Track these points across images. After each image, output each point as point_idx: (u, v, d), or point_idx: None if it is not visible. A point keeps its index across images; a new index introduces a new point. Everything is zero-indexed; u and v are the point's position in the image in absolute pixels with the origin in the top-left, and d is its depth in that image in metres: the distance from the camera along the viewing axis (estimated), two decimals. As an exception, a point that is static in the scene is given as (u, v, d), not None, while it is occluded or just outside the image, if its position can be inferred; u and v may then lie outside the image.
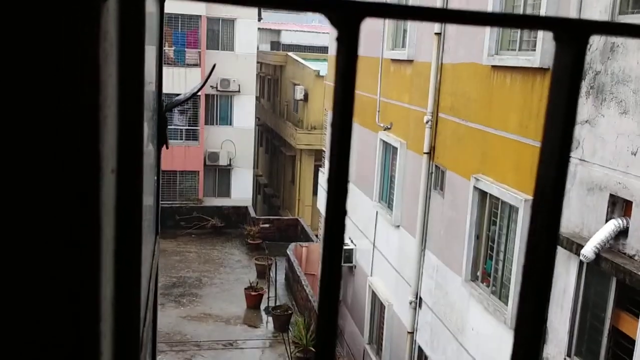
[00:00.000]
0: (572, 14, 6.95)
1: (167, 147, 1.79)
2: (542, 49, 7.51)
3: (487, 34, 8.81)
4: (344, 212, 0.44)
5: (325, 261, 0.45)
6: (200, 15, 25.76)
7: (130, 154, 0.71)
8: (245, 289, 18.11)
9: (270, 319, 17.07)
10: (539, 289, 0.48)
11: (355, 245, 15.02)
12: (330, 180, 0.44)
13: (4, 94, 0.47)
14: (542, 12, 7.51)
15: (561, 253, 7.09)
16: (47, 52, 0.47)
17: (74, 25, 0.47)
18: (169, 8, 27.43)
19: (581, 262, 6.68)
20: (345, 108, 0.43)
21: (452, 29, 10.21)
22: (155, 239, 1.69)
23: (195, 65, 25.88)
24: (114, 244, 0.67)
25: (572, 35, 0.46)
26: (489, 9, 8.77)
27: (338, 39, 0.42)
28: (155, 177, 1.72)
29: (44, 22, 0.47)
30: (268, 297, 17.72)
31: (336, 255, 0.45)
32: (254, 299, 17.88)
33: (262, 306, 17.91)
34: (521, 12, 8.29)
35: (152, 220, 1.61)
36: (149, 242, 1.43)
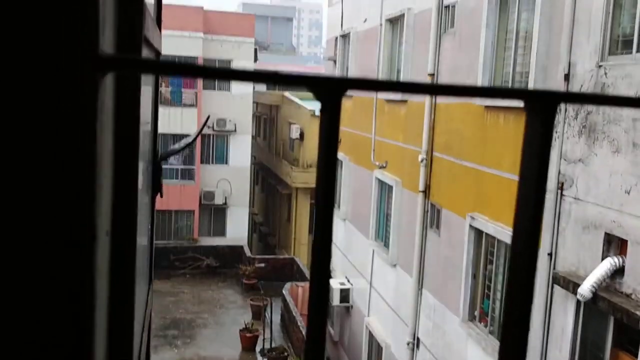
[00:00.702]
0: (563, 55, 7.07)
1: (161, 196, 1.80)
2: (534, 89, 7.61)
3: (480, 74, 8.95)
4: (327, 281, 0.45)
5: (312, 305, 0.48)
6: (197, 57, 26.09)
7: (124, 216, 0.72)
8: (240, 330, 17.86)
9: (266, 360, 16.79)
10: (521, 317, 0.50)
11: (351, 284, 14.90)
12: (314, 247, 0.46)
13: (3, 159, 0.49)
14: (533, 55, 7.65)
15: (558, 292, 7.06)
16: (46, 125, 0.49)
17: (72, 100, 0.49)
18: (166, 50, 27.73)
19: (578, 302, 6.64)
20: (328, 174, 0.45)
21: (445, 70, 10.36)
22: (148, 288, 1.68)
23: (192, 105, 26.10)
24: (107, 303, 0.68)
25: (541, 105, 0.49)
26: (480, 59, 8.91)
27: (321, 111, 0.45)
28: (149, 226, 1.73)
29: (43, 95, 0.49)
30: (264, 339, 17.47)
31: (323, 303, 0.48)
32: (249, 341, 17.62)
33: (258, 348, 17.64)
34: (512, 54, 8.43)
35: (146, 269, 1.60)
36: (142, 291, 1.42)
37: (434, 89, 0.51)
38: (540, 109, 0.49)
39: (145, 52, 1.16)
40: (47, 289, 0.51)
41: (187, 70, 0.45)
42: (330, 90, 0.46)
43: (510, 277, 0.51)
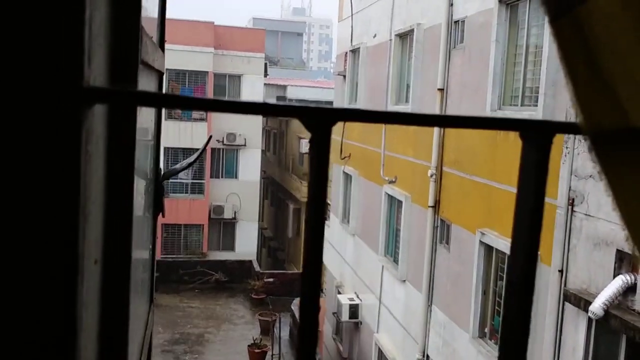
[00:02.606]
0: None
1: (163, 216, 1.80)
2: (544, 104, 7.59)
3: (490, 88, 8.94)
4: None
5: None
6: (208, 72, 26.28)
7: (117, 244, 0.72)
8: (248, 346, 17.80)
9: (274, 376, 16.70)
10: (520, 338, 0.49)
11: (361, 300, 14.83)
12: (303, 274, 0.45)
13: None
14: (543, 70, 7.63)
15: (569, 309, 6.98)
16: (28, 157, 0.49)
17: (56, 133, 0.49)
18: (177, 65, 27.78)
19: (590, 319, 6.56)
20: (317, 202, 0.44)
21: (454, 85, 10.36)
22: (149, 309, 1.67)
23: (202, 120, 26.24)
24: (97, 330, 0.67)
25: (537, 135, 0.49)
26: (490, 74, 8.91)
27: (310, 142, 0.45)
28: (151, 246, 1.72)
29: (25, 128, 0.48)
30: (272, 355, 17.40)
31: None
32: (257, 357, 17.55)
33: (266, 363, 17.56)
34: (522, 70, 8.42)
35: (146, 289, 1.59)
36: (142, 312, 1.41)
37: (428, 120, 0.51)
38: (536, 139, 0.49)
39: (145, 76, 1.16)
40: (28, 322, 0.50)
41: (173, 101, 0.45)
42: (320, 122, 0.45)
43: (507, 312, 0.50)
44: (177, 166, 2.53)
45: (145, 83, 1.22)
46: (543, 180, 0.49)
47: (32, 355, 0.51)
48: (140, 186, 1.16)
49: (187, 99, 0.45)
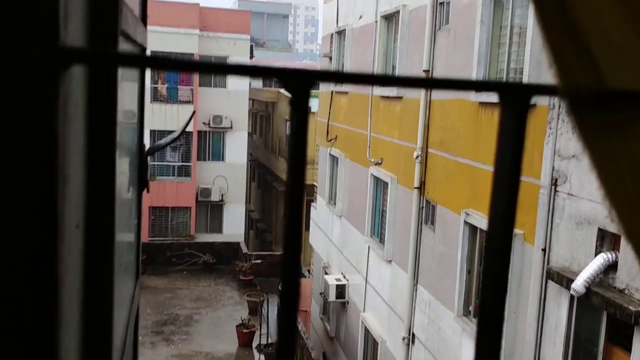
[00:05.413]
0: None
1: (147, 191, 1.81)
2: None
3: (475, 69, 8.96)
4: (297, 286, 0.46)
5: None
6: (193, 54, 26.05)
7: (99, 208, 0.72)
8: (236, 326, 17.89)
9: (263, 357, 16.82)
10: (497, 304, 0.49)
11: (347, 280, 14.94)
12: (285, 236, 0.46)
13: None
14: (527, 51, 7.67)
15: (552, 287, 7.09)
16: (3, 116, 0.49)
17: (31, 91, 0.49)
18: (162, 47, 27.44)
19: (572, 297, 6.67)
20: (297, 164, 0.45)
21: (440, 67, 10.38)
22: (135, 283, 1.69)
23: (188, 102, 26.06)
24: (82, 296, 0.68)
25: (515, 98, 0.48)
26: (475, 55, 8.94)
27: (291, 103, 0.45)
28: (136, 220, 1.73)
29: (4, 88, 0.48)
30: (260, 335, 17.51)
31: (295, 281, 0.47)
32: (245, 337, 17.65)
33: (254, 344, 17.68)
34: (506, 50, 8.45)
35: (132, 264, 1.61)
36: (127, 286, 1.42)
37: (404, 82, 0.50)
38: (514, 102, 0.48)
39: (126, 48, 1.17)
40: (5, 279, 0.51)
41: (151, 62, 0.45)
42: (299, 83, 0.45)
43: (486, 266, 0.50)
44: (162, 141, 2.53)
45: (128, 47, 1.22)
46: (521, 144, 0.48)
47: (11, 309, 0.51)
48: (123, 159, 1.16)
49: (165, 60, 0.45)
